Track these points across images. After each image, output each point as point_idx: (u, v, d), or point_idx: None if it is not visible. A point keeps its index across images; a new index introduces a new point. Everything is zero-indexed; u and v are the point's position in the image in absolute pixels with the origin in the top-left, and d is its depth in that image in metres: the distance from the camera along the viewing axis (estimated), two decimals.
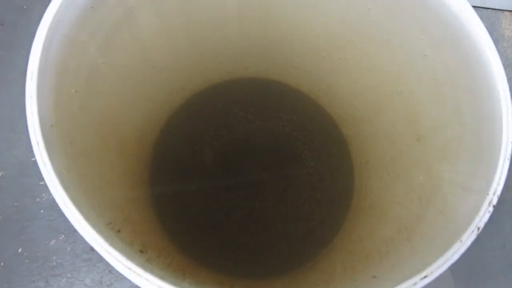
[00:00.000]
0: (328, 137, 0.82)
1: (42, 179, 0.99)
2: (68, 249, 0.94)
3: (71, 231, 0.95)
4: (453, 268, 0.96)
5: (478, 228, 0.33)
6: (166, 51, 0.66)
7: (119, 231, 0.37)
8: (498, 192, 0.34)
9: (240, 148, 0.82)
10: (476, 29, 0.44)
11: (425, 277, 0.31)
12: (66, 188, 0.33)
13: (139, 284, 0.30)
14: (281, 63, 0.76)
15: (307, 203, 0.81)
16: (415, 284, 0.31)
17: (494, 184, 0.35)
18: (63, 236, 0.95)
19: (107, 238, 0.31)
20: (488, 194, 0.34)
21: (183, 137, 0.80)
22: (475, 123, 0.44)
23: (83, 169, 0.42)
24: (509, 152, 0.36)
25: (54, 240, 0.95)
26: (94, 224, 0.32)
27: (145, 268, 0.30)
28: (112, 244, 0.31)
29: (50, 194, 0.99)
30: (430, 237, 0.39)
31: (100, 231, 0.32)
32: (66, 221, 1.02)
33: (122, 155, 0.61)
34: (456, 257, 0.32)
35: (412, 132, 0.56)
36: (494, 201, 0.34)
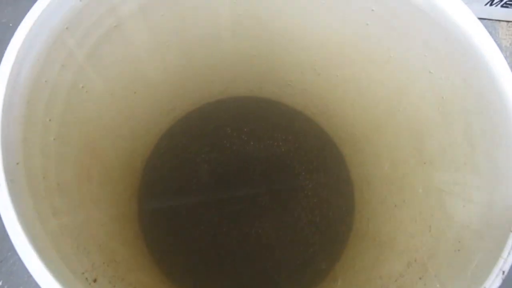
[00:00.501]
0: (326, 157, 0.78)
1: None
2: None
3: None
4: None
5: (503, 272, 0.29)
6: (157, 71, 0.63)
7: (95, 280, 0.33)
8: None
9: (234, 170, 0.78)
10: (485, 44, 0.41)
11: None
12: (31, 237, 0.29)
13: None
14: (275, 81, 0.73)
15: (305, 227, 0.76)
16: None
17: None
18: None
19: None
20: (511, 231, 0.30)
21: (174, 160, 0.76)
22: (487, 145, 0.40)
23: (56, 207, 0.37)
24: None
25: None
26: (62, 278, 0.27)
27: None
28: None
29: None
30: (446, 278, 0.35)
31: (69, 285, 0.27)
32: None
33: (107, 184, 0.57)
34: None
35: (418, 154, 0.52)
36: None
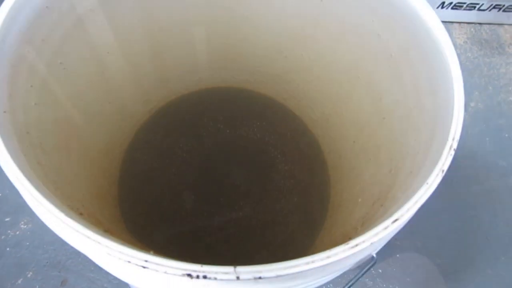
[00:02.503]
0: (299, 139, 0.82)
1: (7, 215, 0.95)
2: (37, 287, 0.88)
3: (40, 267, 0.90)
4: (442, 266, 0.95)
5: (443, 171, 0.33)
6: (126, 62, 0.66)
7: (81, 214, 0.35)
8: (457, 137, 0.35)
9: (212, 158, 0.81)
10: (420, 5, 0.47)
11: (396, 220, 0.31)
12: (20, 165, 0.31)
13: (96, 254, 0.28)
14: (246, 69, 0.78)
15: (285, 208, 0.79)
16: (386, 227, 0.30)
17: (452, 131, 0.36)
18: (31, 273, 0.90)
19: (63, 211, 0.29)
20: (448, 140, 0.35)
21: (152, 151, 0.79)
22: (431, 87, 0.45)
23: (40, 160, 0.40)
24: (462, 100, 0.37)
25: (21, 279, 0.89)
26: (50, 198, 0.30)
27: (106, 237, 0.29)
28: (69, 215, 0.29)
29: (16, 230, 0.94)
30: (401, 195, 0.39)
31: (56, 204, 0.30)
32: (34, 255, 0.95)
33: (86, 166, 0.59)
34: (424, 198, 0.32)
35: (378, 112, 0.57)
36: (454, 145, 0.35)
